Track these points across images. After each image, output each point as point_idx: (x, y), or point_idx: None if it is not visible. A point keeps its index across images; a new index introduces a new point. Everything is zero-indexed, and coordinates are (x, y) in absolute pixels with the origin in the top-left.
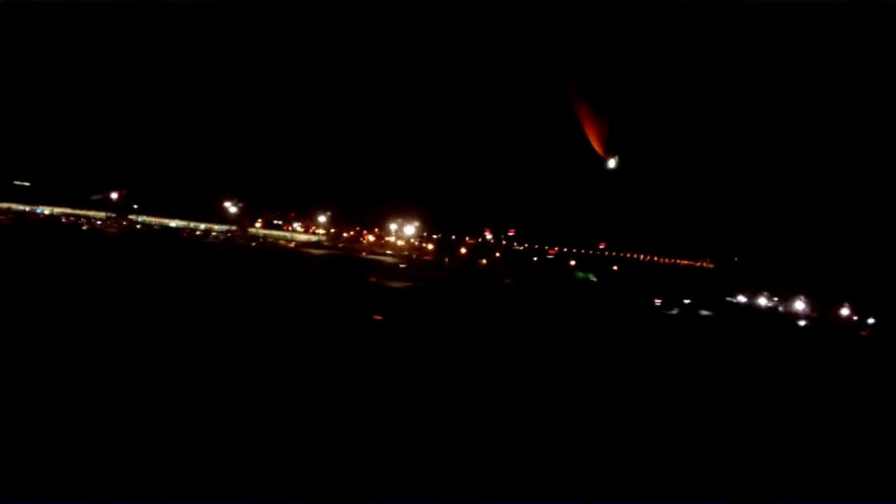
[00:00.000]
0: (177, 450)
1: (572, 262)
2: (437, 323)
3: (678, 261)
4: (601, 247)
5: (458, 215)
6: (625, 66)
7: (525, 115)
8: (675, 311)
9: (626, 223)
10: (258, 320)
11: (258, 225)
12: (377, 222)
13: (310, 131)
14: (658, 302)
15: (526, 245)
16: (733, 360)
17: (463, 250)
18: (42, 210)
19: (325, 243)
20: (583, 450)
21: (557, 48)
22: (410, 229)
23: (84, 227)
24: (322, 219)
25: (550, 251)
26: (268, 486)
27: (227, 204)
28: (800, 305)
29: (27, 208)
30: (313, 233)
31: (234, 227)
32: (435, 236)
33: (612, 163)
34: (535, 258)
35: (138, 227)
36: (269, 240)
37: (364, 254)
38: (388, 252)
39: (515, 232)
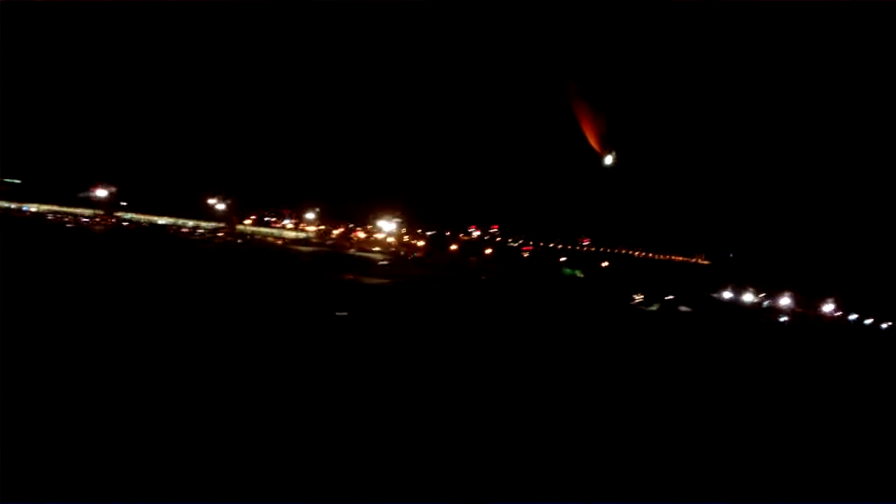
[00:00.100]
0: (139, 442)
1: (562, 259)
2: (405, 319)
3: (673, 257)
4: (585, 242)
5: (449, 212)
6: (621, 63)
7: (517, 111)
8: (654, 308)
9: (622, 220)
10: (216, 316)
11: (248, 222)
12: (366, 219)
13: (299, 128)
14: (638, 298)
15: (521, 242)
16: (701, 354)
17: (454, 247)
18: (29, 208)
19: (314, 240)
20: (538, 448)
21: (551, 44)
22: (397, 226)
23: (69, 225)
24: (310, 216)
25: (526, 248)
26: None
27: (214, 201)
28: (785, 301)
29: (13, 206)
30: (302, 230)
31: (221, 224)
32: (428, 233)
33: (608, 159)
34: (525, 254)
35: (125, 224)
36: (257, 237)
37: (352, 251)
38: (376, 249)
39: (499, 228)
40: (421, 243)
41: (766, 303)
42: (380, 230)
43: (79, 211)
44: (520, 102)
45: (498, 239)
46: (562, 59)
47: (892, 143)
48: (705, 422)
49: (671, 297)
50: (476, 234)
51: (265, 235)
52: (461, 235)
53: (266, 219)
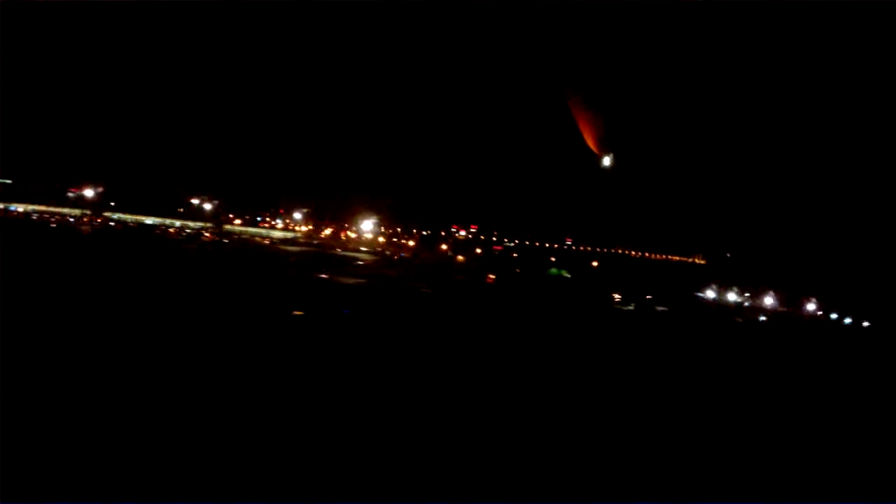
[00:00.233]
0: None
1: (552, 258)
2: (364, 318)
3: (670, 257)
4: (568, 242)
5: (437, 212)
6: (618, 63)
7: (505, 113)
8: (630, 307)
9: (619, 220)
10: (175, 315)
11: (238, 222)
12: (355, 219)
13: (288, 129)
14: (617, 297)
15: (515, 241)
16: (661, 352)
17: (444, 247)
18: (16, 208)
19: (301, 240)
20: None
21: (545, 43)
22: (385, 226)
23: (53, 225)
24: (298, 215)
25: (496, 247)
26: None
27: (198, 201)
28: (768, 301)
29: (0, 206)
30: (290, 229)
31: (209, 224)
32: (416, 233)
33: (606, 160)
34: (514, 254)
35: (111, 224)
36: (244, 237)
37: (339, 250)
38: (363, 249)
39: (478, 228)
40: (411, 243)
41: (748, 302)
42: (368, 230)
43: (66, 211)
44: (508, 104)
45: (482, 237)
46: (557, 59)
47: (887, 146)
48: (650, 418)
49: (650, 296)
50: (462, 233)
51: (252, 235)
52: (452, 235)
53: (255, 218)
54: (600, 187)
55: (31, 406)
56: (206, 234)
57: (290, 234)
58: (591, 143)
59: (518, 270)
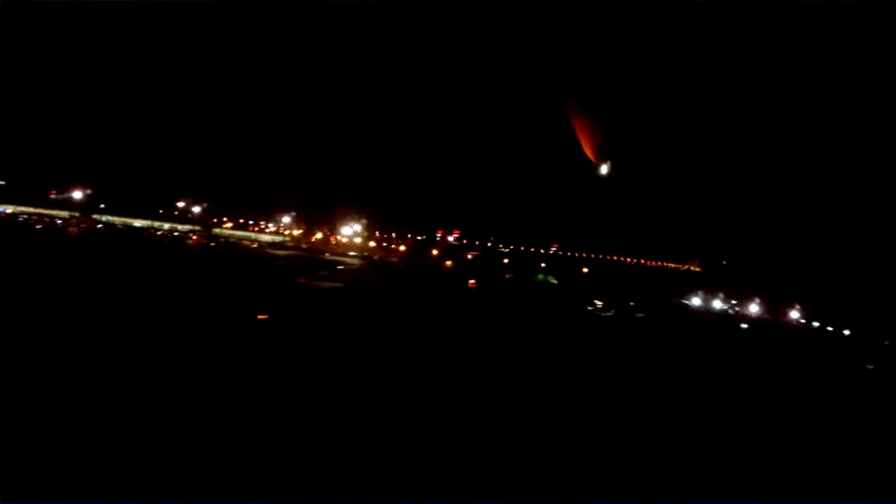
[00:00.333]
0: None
1: (543, 265)
2: (331, 323)
3: (666, 264)
4: (553, 248)
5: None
6: (615, 74)
7: (502, 121)
8: (610, 313)
9: (616, 227)
10: (138, 319)
11: (229, 225)
12: (345, 224)
13: (280, 134)
14: (598, 304)
15: (511, 247)
16: (632, 358)
17: (434, 252)
18: (4, 209)
19: (289, 244)
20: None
21: (540, 54)
22: (375, 231)
23: (38, 227)
24: (287, 219)
25: (472, 253)
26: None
27: (188, 204)
28: (753, 308)
29: None
30: (280, 233)
31: (197, 228)
32: (407, 238)
33: (604, 169)
34: (505, 260)
35: (99, 226)
36: (232, 240)
37: (328, 255)
38: (352, 253)
39: (460, 234)
40: (402, 248)
41: (732, 310)
42: (358, 235)
43: (55, 212)
44: (500, 111)
45: (477, 242)
46: (553, 69)
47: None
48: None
49: (632, 303)
50: (450, 238)
51: (241, 239)
52: (440, 240)
53: (246, 222)
54: (596, 194)
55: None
56: (194, 237)
57: (278, 238)
58: (588, 151)
59: (507, 276)
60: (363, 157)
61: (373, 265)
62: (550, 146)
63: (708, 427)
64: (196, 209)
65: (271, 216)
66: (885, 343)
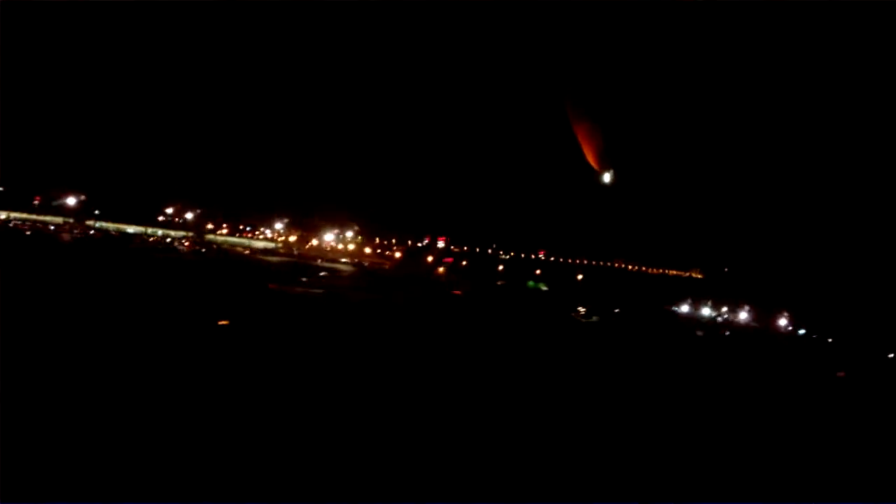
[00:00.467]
0: None
1: (538, 271)
2: (295, 330)
3: (668, 271)
4: (541, 254)
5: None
6: (618, 79)
7: (497, 126)
8: (593, 319)
9: (619, 234)
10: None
11: (224, 231)
12: (339, 230)
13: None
14: (582, 310)
15: (511, 254)
16: (605, 363)
17: (430, 258)
18: None
19: (281, 250)
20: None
21: (533, 58)
22: (359, 237)
23: (28, 233)
24: (279, 226)
25: (447, 259)
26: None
27: (182, 211)
28: (742, 315)
29: None
30: (273, 240)
31: (190, 234)
32: (407, 244)
33: (607, 177)
34: (500, 267)
35: (91, 232)
36: (224, 246)
37: (319, 261)
38: (343, 260)
39: (448, 240)
40: (398, 254)
41: (720, 317)
42: (351, 241)
43: (48, 219)
44: (494, 117)
45: (464, 248)
46: (557, 76)
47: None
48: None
49: (618, 310)
50: (440, 244)
51: (233, 245)
52: (434, 247)
53: (241, 228)
54: (598, 202)
55: None
56: (186, 244)
57: (271, 245)
58: (590, 158)
59: (499, 283)
60: (358, 164)
61: (363, 272)
62: (551, 153)
63: (660, 432)
64: (189, 216)
65: (265, 223)
66: (872, 351)
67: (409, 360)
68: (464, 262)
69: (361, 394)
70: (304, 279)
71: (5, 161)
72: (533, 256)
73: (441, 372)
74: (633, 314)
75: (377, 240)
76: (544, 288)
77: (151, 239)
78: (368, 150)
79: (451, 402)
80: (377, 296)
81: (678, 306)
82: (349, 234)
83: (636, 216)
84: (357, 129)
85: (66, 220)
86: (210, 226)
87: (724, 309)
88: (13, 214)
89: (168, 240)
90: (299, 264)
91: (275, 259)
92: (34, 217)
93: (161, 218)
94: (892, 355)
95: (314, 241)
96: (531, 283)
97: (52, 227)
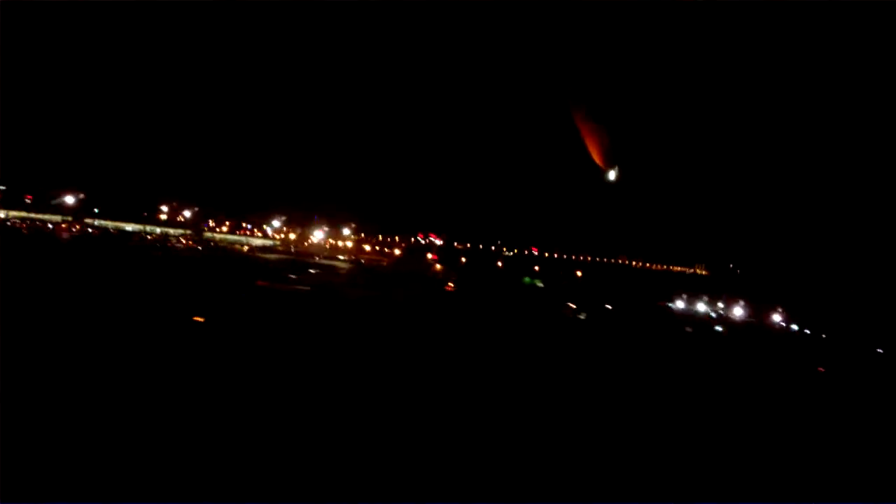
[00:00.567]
0: None
1: (537, 268)
2: (274, 327)
3: (672, 267)
4: (534, 251)
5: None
6: (622, 75)
7: (509, 124)
8: (581, 316)
9: (624, 231)
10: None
11: (225, 229)
12: (339, 227)
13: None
14: (573, 307)
15: (515, 251)
16: (590, 361)
17: (430, 256)
18: None
19: (279, 248)
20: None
21: (541, 59)
22: (359, 234)
23: (25, 232)
24: (278, 223)
25: (433, 255)
26: None
27: (181, 209)
28: (737, 311)
29: None
30: (271, 238)
31: (188, 232)
32: (408, 242)
33: (612, 174)
34: (499, 263)
35: (90, 230)
36: (222, 244)
37: (316, 258)
38: (341, 257)
39: (447, 237)
40: (397, 252)
41: (714, 313)
42: (350, 238)
43: (47, 217)
44: (504, 118)
45: (456, 245)
46: (562, 75)
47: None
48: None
49: (610, 306)
50: (439, 242)
51: (232, 243)
52: (431, 244)
53: (241, 225)
54: (604, 199)
55: None
56: (184, 242)
57: (269, 242)
58: (595, 156)
59: (498, 279)
60: (358, 162)
61: (359, 269)
62: (556, 150)
63: (631, 427)
64: (188, 213)
65: (264, 220)
66: (862, 347)
67: (381, 356)
68: (463, 259)
69: (330, 391)
70: (293, 276)
71: (4, 160)
72: (536, 252)
73: (411, 367)
74: (625, 310)
75: (379, 237)
76: (540, 284)
77: (150, 237)
78: (368, 148)
79: (420, 399)
80: (368, 293)
81: (672, 302)
82: (346, 231)
83: (641, 213)
84: (357, 127)
85: (65, 218)
86: (211, 223)
87: (720, 305)
88: (12, 213)
89: (166, 238)
90: (296, 262)
91: (272, 257)
92: (33, 216)
93: (162, 216)
94: (880, 350)
95: (313, 239)
96: (527, 280)
97: (50, 226)
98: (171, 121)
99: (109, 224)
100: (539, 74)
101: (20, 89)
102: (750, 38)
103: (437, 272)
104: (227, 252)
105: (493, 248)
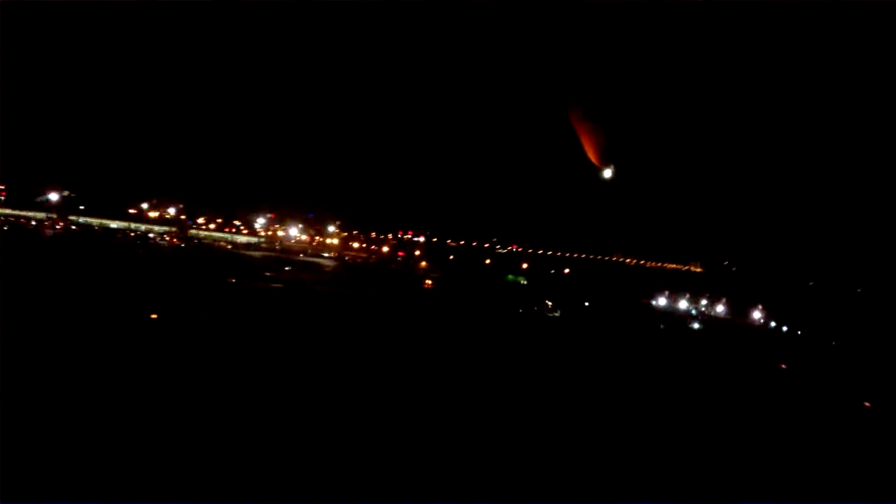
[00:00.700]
0: None
1: (524, 265)
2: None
3: (666, 265)
4: (514, 248)
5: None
6: (617, 75)
7: (504, 121)
8: (557, 314)
9: (619, 229)
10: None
11: (212, 227)
12: (324, 225)
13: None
14: (549, 304)
15: (508, 249)
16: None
17: (417, 252)
18: None
19: (264, 245)
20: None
21: (537, 57)
22: (345, 231)
23: (5, 228)
24: (263, 220)
25: (400, 252)
26: None
27: (166, 206)
28: (719, 308)
29: None
30: (256, 235)
31: (173, 229)
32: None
33: (607, 172)
34: (487, 260)
35: (73, 228)
36: (206, 241)
37: (301, 256)
38: (326, 254)
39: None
40: (385, 248)
41: (695, 310)
42: (335, 235)
43: (31, 214)
44: (500, 116)
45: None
46: (557, 73)
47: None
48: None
49: (587, 303)
50: (421, 239)
51: (216, 240)
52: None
53: (228, 222)
54: (599, 197)
55: None
56: (168, 239)
57: (254, 240)
58: (591, 155)
59: (481, 276)
60: (345, 160)
61: (342, 266)
62: (551, 149)
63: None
64: (173, 210)
65: (250, 218)
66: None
67: (336, 352)
68: (451, 256)
69: (278, 384)
70: (268, 273)
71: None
72: (529, 250)
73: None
74: (602, 308)
75: (369, 234)
76: (524, 282)
77: (133, 234)
78: (357, 145)
79: (365, 392)
80: (339, 290)
81: (655, 299)
82: (333, 228)
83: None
84: (346, 124)
85: (49, 215)
86: (197, 221)
87: (703, 302)
88: None
89: (151, 235)
90: (278, 259)
91: (256, 254)
92: (17, 213)
93: (147, 214)
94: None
95: (300, 236)
96: (511, 277)
97: (33, 223)
98: (157, 118)
99: (94, 221)
100: (535, 73)
101: (4, 87)
102: (745, 37)
103: (420, 269)
104: (210, 249)
105: (486, 245)
